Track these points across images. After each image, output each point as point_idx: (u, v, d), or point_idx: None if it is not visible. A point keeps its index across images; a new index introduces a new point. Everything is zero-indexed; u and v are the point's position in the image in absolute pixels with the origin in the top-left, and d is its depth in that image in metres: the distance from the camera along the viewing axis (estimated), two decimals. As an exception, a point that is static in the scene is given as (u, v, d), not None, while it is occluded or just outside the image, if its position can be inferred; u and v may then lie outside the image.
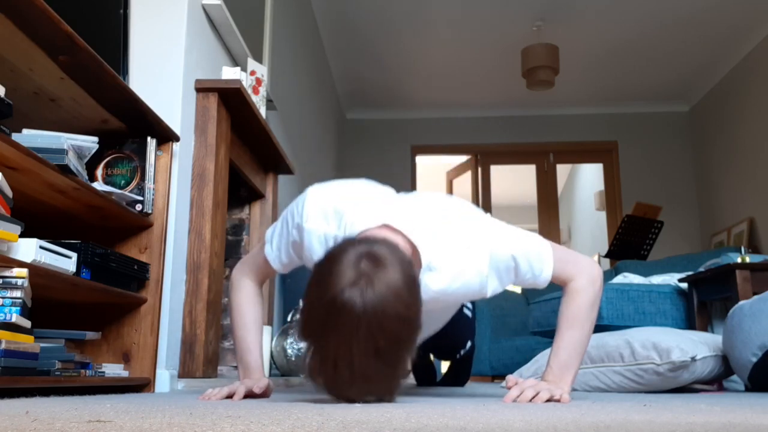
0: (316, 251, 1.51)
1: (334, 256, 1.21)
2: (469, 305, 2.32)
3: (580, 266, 1.55)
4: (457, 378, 2.81)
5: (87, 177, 1.81)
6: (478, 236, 1.49)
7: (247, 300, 1.64)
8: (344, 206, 1.48)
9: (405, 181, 6.48)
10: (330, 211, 1.50)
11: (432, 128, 6.72)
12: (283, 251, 1.60)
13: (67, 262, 1.58)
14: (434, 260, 1.45)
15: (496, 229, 1.52)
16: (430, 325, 1.97)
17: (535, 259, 1.51)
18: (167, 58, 2.24)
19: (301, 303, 1.29)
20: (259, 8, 3.29)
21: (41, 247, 1.47)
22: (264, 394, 1.51)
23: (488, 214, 1.57)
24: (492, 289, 1.51)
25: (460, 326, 2.30)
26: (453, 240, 1.47)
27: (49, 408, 1.01)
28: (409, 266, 1.24)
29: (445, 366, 2.80)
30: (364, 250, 1.20)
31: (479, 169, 6.75)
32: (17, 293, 1.38)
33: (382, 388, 1.21)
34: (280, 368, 3.03)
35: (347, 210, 1.47)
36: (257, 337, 1.62)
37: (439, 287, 1.47)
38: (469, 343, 2.47)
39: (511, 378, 1.52)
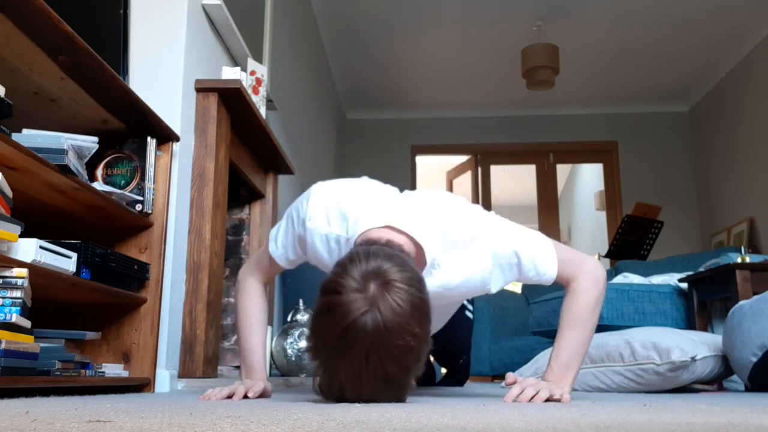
0: (319, 250, 1.52)
1: (340, 283, 1.18)
2: (471, 307, 2.32)
3: (584, 267, 1.55)
4: (456, 378, 2.81)
5: (87, 177, 1.81)
6: (482, 233, 1.49)
7: (252, 300, 1.65)
8: (348, 206, 1.48)
9: (405, 181, 6.48)
10: (333, 210, 1.50)
11: (432, 128, 6.72)
12: (290, 248, 1.60)
13: (67, 262, 1.58)
14: (438, 258, 1.46)
15: (499, 226, 1.53)
16: (433, 323, 1.98)
17: (539, 258, 1.52)
18: (167, 58, 2.24)
19: (306, 328, 1.30)
20: (259, 8, 3.29)
21: (41, 247, 1.47)
22: (263, 395, 1.52)
23: (492, 212, 1.58)
24: (496, 285, 1.51)
25: (462, 329, 2.30)
26: (456, 237, 1.47)
27: (49, 408, 1.01)
28: (417, 281, 1.22)
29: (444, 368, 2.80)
30: (370, 270, 1.18)
31: (479, 169, 6.75)
32: (17, 293, 1.38)
33: (390, 402, 1.21)
34: (280, 368, 3.03)
35: (351, 210, 1.47)
36: (261, 337, 1.63)
37: (442, 283, 1.48)
38: (464, 356, 2.49)
39: (510, 375, 1.52)
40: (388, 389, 1.17)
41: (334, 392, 1.18)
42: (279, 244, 1.61)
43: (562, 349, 1.50)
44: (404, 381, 1.20)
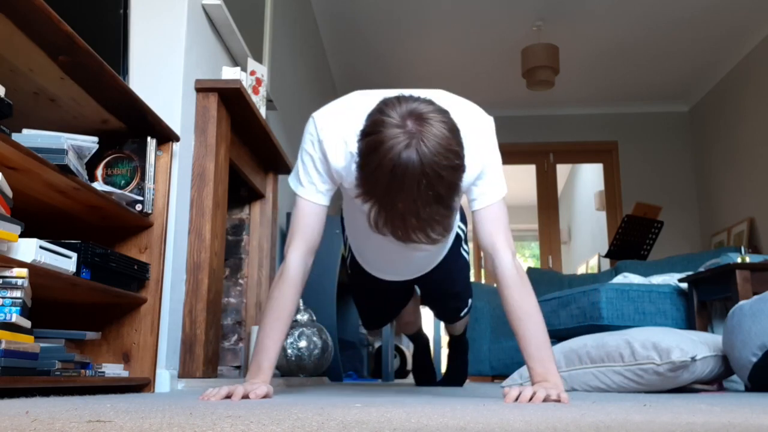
0: (339, 159, 1.55)
1: (380, 120, 1.30)
2: (466, 247, 2.31)
3: (508, 241, 1.60)
4: (456, 378, 2.82)
5: (87, 177, 1.81)
6: (482, 131, 1.58)
7: (288, 289, 1.59)
8: (350, 104, 1.56)
9: (405, 181, 6.47)
10: (339, 113, 1.56)
11: (432, 128, 6.71)
12: (316, 178, 1.59)
13: (67, 262, 1.58)
14: None
15: (493, 136, 1.62)
16: (429, 258, 2.11)
17: (494, 183, 1.59)
18: (167, 58, 2.24)
19: (356, 167, 1.35)
20: (259, 8, 3.29)
21: (41, 247, 1.47)
22: (264, 398, 1.51)
23: (491, 118, 1.66)
24: (469, 183, 1.58)
25: (460, 268, 2.28)
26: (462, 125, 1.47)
27: (49, 408, 1.01)
28: (447, 114, 1.34)
29: (445, 367, 2.79)
30: (405, 110, 1.30)
31: (479, 169, 6.74)
32: (17, 293, 1.38)
33: (443, 227, 1.33)
34: (281, 368, 3.03)
35: (354, 106, 1.53)
36: (281, 336, 1.59)
37: None
38: (470, 301, 2.46)
39: (507, 391, 1.51)
40: (441, 209, 1.30)
41: (395, 223, 1.30)
42: (305, 183, 1.61)
43: (528, 346, 1.51)
44: (452, 197, 1.33)
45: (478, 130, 1.57)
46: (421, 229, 1.31)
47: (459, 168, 1.32)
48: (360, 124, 1.40)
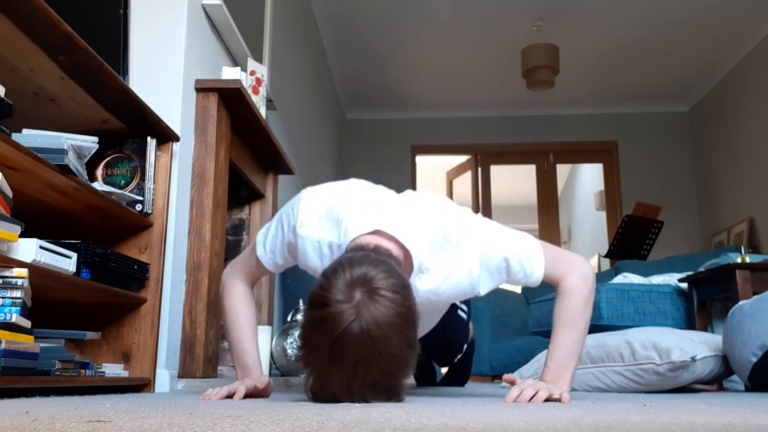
0: (310, 256, 1.53)
1: (327, 289, 1.21)
2: (464, 307, 2.32)
3: (572, 265, 1.56)
4: (457, 378, 2.81)
5: (87, 177, 1.81)
6: (470, 236, 1.50)
7: (240, 302, 1.64)
8: (339, 211, 1.49)
9: (405, 181, 6.48)
10: (324, 216, 1.51)
11: (432, 128, 6.72)
12: (278, 253, 1.60)
13: (67, 262, 1.58)
14: (426, 262, 1.47)
15: (487, 229, 1.53)
16: (422, 326, 1.99)
17: (527, 259, 1.52)
18: (167, 58, 2.24)
19: (297, 335, 1.32)
20: (259, 8, 3.29)
21: (41, 247, 1.47)
22: (264, 393, 1.52)
23: (479, 214, 1.58)
24: (485, 288, 1.52)
25: (455, 328, 2.30)
26: (444, 241, 1.48)
27: (49, 408, 1.01)
28: (402, 287, 1.23)
29: (445, 367, 2.81)
30: (356, 277, 1.20)
31: (479, 169, 6.75)
32: (17, 293, 1.38)
33: (381, 399, 1.22)
34: (280, 368, 3.03)
35: (341, 215, 1.48)
36: (253, 337, 1.62)
37: (430, 288, 1.49)
38: (465, 347, 2.48)
39: (507, 376, 1.53)
40: (378, 394, 1.20)
41: (327, 398, 1.21)
42: (267, 249, 1.61)
43: (558, 348, 1.50)
44: (392, 385, 1.23)
45: (469, 260, 1.49)
46: (356, 400, 1.20)
47: (401, 353, 1.20)
48: (338, 232, 1.43)
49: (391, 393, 1.22)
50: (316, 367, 1.21)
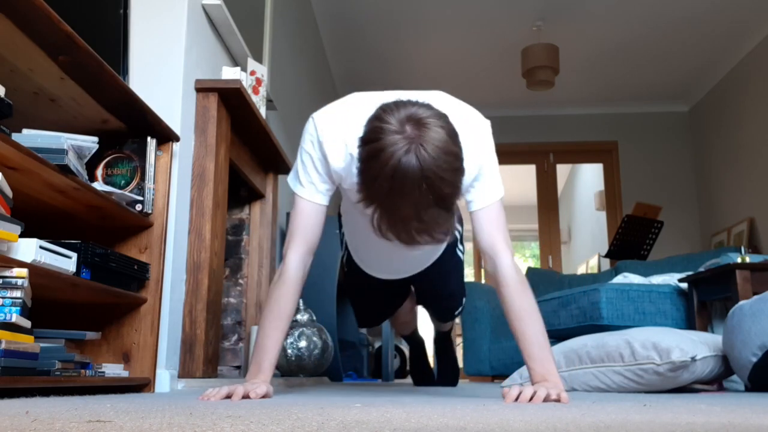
0: (338, 160, 1.56)
1: (379, 127, 1.31)
2: (461, 247, 2.31)
3: (507, 242, 1.61)
4: (448, 374, 2.82)
5: (87, 177, 1.81)
6: (478, 133, 1.60)
7: (286, 290, 1.59)
8: (350, 106, 1.56)
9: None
10: (339, 114, 1.56)
11: (432, 128, 6.71)
12: (316, 177, 1.60)
13: (67, 262, 1.58)
14: None
15: (490, 138, 1.65)
16: (423, 255, 2.10)
17: (491, 185, 1.60)
18: (167, 58, 2.24)
19: (356, 175, 1.37)
20: (259, 8, 3.29)
21: (41, 247, 1.47)
22: (264, 398, 1.51)
23: (488, 121, 1.67)
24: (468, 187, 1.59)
25: (455, 269, 2.29)
26: (462, 128, 1.47)
27: (49, 408, 1.01)
28: (445, 117, 1.36)
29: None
30: (404, 115, 1.31)
31: (479, 169, 6.74)
32: (17, 293, 1.38)
33: (445, 228, 1.35)
34: (281, 368, 3.03)
35: (354, 107, 1.54)
36: (281, 336, 1.59)
37: None
38: (463, 300, 2.46)
39: (506, 390, 1.51)
40: (442, 212, 1.32)
41: (397, 227, 1.32)
42: (304, 183, 1.61)
43: (530, 345, 1.52)
44: (453, 200, 1.35)
45: (475, 133, 1.59)
46: (425, 232, 1.33)
47: (459, 170, 1.34)
48: (360, 125, 1.40)
49: (451, 211, 1.35)
50: (381, 200, 1.31)
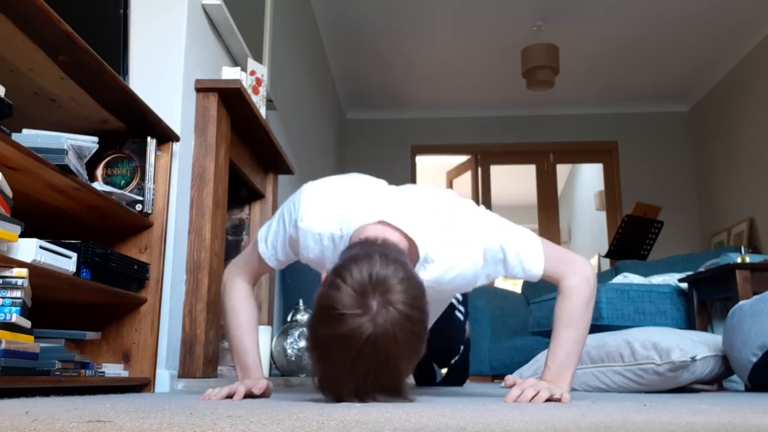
0: (312, 249, 1.53)
1: (340, 289, 1.19)
2: (461, 308, 2.33)
3: (574, 266, 1.56)
4: (456, 378, 2.82)
5: (87, 177, 1.81)
6: (473, 227, 1.50)
7: (241, 301, 1.64)
8: (340, 203, 1.49)
9: (405, 182, 6.41)
10: (326, 208, 1.51)
11: (432, 128, 6.72)
12: (280, 249, 1.60)
13: (67, 262, 1.58)
14: (430, 252, 1.47)
15: (489, 221, 1.54)
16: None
17: (525, 253, 1.53)
18: (167, 58, 2.24)
19: (304, 329, 1.32)
20: (259, 8, 3.29)
21: (41, 247, 1.47)
22: (264, 395, 1.51)
23: (482, 206, 1.59)
24: (482, 279, 1.53)
25: (452, 328, 2.31)
26: (448, 231, 1.48)
27: (49, 408, 1.01)
28: (417, 292, 1.22)
29: (443, 368, 2.81)
30: (370, 280, 1.18)
31: (479, 169, 6.75)
32: (17, 293, 1.38)
33: (388, 398, 1.23)
34: (281, 368, 3.03)
35: (343, 206, 1.48)
36: (254, 337, 1.62)
37: (433, 277, 1.49)
38: (462, 348, 2.49)
39: (509, 378, 1.53)
40: (387, 389, 1.21)
41: (333, 392, 1.22)
42: (269, 245, 1.61)
43: (558, 348, 1.51)
44: (401, 380, 1.25)
45: (473, 258, 1.50)
46: (362, 401, 1.21)
47: (412, 349, 1.21)
48: (345, 220, 1.42)
49: (397, 389, 1.23)
50: (328, 375, 1.22)
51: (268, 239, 1.61)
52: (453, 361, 2.51)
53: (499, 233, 1.52)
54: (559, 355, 1.50)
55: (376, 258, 1.22)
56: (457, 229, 1.49)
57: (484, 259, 1.50)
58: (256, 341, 1.62)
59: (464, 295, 2.37)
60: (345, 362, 1.17)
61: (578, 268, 1.55)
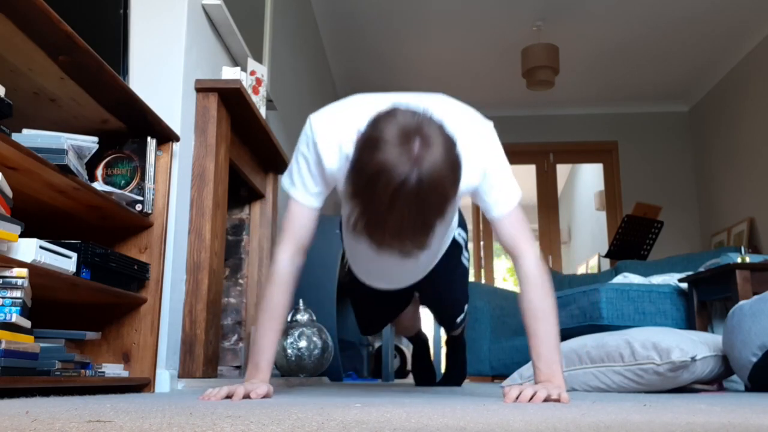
0: (335, 166, 1.53)
1: (375, 138, 1.26)
2: (466, 254, 2.30)
3: (533, 247, 1.59)
4: (454, 378, 2.82)
5: (87, 177, 1.81)
6: (478, 137, 1.56)
7: (279, 290, 1.59)
8: (348, 111, 1.54)
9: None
10: (337, 116, 1.55)
11: (432, 128, 6.71)
12: (308, 179, 1.58)
13: (67, 262, 1.58)
14: None
15: (494, 141, 1.60)
16: (428, 255, 2.07)
17: (505, 189, 1.58)
18: (167, 58, 2.24)
19: (348, 168, 1.34)
20: (259, 8, 3.29)
21: (41, 247, 1.47)
22: (265, 398, 1.51)
23: (490, 123, 1.63)
24: (466, 189, 1.56)
25: (460, 277, 2.28)
26: (463, 135, 1.45)
27: (49, 408, 1.01)
28: (443, 129, 1.30)
29: (444, 367, 2.80)
30: (401, 127, 1.26)
31: (479, 169, 6.74)
32: (17, 293, 1.38)
33: (416, 246, 1.31)
34: (280, 368, 3.04)
35: (353, 112, 1.51)
36: (277, 335, 1.59)
37: None
38: (466, 307, 2.46)
39: (506, 389, 1.52)
40: (421, 233, 1.29)
41: (372, 232, 1.28)
42: (297, 183, 1.59)
43: (540, 345, 1.52)
44: (435, 224, 1.31)
45: (476, 139, 1.55)
46: (396, 244, 1.30)
47: (448, 194, 1.30)
48: (357, 127, 1.38)
49: (429, 233, 1.31)
50: (366, 201, 1.27)
51: (294, 181, 1.60)
52: (458, 321, 2.48)
53: (500, 159, 1.59)
54: (544, 352, 1.51)
55: (408, 114, 1.30)
56: (471, 137, 1.51)
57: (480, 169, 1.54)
58: (276, 340, 1.59)
59: (466, 242, 2.35)
60: (391, 201, 1.23)
61: (536, 251, 1.59)
